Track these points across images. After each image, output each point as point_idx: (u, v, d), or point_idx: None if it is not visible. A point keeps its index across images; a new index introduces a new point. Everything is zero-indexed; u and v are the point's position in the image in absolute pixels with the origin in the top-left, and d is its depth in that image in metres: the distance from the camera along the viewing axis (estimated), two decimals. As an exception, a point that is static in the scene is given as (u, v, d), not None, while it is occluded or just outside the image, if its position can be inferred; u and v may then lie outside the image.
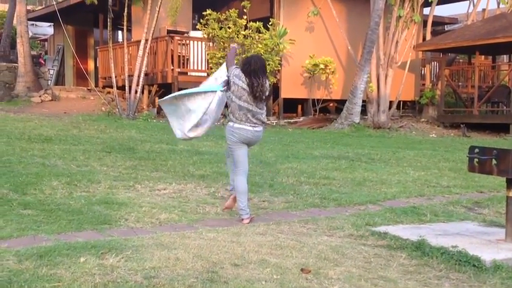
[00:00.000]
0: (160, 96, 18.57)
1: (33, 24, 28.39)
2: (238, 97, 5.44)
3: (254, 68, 5.44)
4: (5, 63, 21.68)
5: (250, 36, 16.46)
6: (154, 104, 18.46)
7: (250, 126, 5.48)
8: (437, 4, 19.40)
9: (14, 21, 22.96)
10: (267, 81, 5.53)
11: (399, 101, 19.12)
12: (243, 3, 16.79)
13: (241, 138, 5.49)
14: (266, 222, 5.48)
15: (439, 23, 24.18)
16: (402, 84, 18.36)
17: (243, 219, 5.46)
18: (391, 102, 18.14)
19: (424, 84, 20.45)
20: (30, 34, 24.56)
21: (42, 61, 25.80)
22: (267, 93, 5.52)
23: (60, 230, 4.72)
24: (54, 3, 22.42)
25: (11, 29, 23.95)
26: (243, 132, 5.47)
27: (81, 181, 6.70)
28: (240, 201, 5.52)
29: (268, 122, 5.69)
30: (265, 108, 5.64)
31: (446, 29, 25.17)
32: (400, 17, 17.80)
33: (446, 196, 7.29)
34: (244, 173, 5.58)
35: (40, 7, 31.44)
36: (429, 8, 19.60)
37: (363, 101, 17.15)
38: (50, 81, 22.83)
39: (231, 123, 5.54)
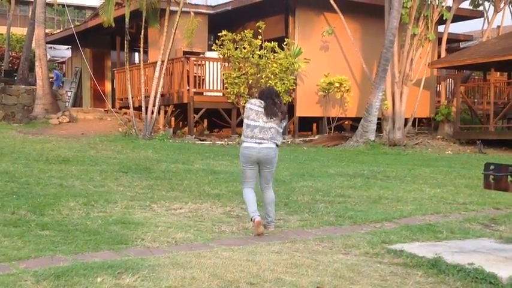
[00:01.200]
0: (176, 117, 18.77)
1: (51, 47, 28.89)
2: (246, 117, 5.87)
3: (266, 93, 5.95)
4: (23, 86, 22.01)
5: (265, 56, 16.60)
6: (170, 124, 18.62)
7: (255, 143, 5.76)
8: (452, 21, 19.40)
9: (33, 45, 23.37)
10: (279, 102, 5.91)
11: (414, 118, 19.06)
12: (258, 23, 16.97)
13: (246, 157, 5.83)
14: (281, 240, 5.48)
15: (454, 40, 24.15)
16: (417, 102, 18.32)
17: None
18: (406, 120, 18.09)
19: (439, 101, 20.37)
20: (49, 57, 24.96)
21: (55, 76, 26.02)
22: (280, 111, 5.84)
23: (77, 250, 4.77)
24: (72, 26, 22.84)
25: (29, 52, 24.37)
26: (247, 151, 5.81)
27: (98, 201, 6.77)
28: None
29: (278, 141, 5.94)
30: (278, 128, 5.90)
31: (461, 46, 25.14)
32: (414, 35, 17.82)
33: (462, 213, 7.24)
34: (251, 187, 5.91)
35: (58, 30, 32.04)
36: (444, 25, 19.60)
37: (378, 119, 17.13)
38: (67, 103, 23.13)
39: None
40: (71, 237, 5.13)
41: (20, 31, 33.61)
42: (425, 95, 19.65)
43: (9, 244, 4.81)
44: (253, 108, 5.83)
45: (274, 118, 5.80)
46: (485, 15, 21.03)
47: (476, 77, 23.60)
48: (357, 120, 18.16)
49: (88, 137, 15.50)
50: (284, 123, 6.05)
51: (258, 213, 5.75)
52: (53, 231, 5.32)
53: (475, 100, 21.54)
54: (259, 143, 5.77)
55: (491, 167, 4.99)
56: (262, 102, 5.82)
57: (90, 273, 4.06)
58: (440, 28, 20.25)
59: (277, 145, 5.92)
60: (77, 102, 24.86)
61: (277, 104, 5.81)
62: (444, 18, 18.40)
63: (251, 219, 5.74)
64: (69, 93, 24.08)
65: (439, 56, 20.15)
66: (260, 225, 5.66)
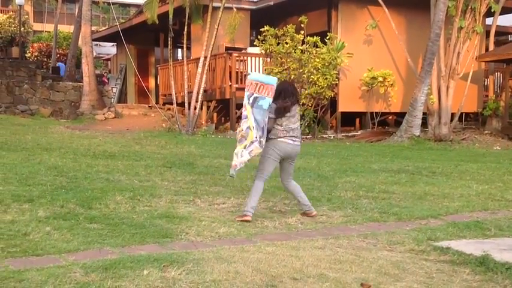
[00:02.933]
0: (219, 112, 18.89)
1: (97, 45, 29.49)
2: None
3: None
4: (71, 83, 22.57)
5: (308, 51, 16.52)
6: (213, 119, 18.75)
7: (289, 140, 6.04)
8: (501, 14, 18.87)
9: (79, 42, 23.92)
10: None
11: (461, 113, 18.66)
12: (300, 18, 16.89)
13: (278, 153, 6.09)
14: (325, 236, 5.46)
15: (502, 33, 23.51)
16: (464, 96, 17.91)
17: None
18: (452, 114, 17.72)
19: (487, 96, 19.89)
20: (95, 54, 25.49)
21: (105, 80, 26.71)
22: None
23: (124, 243, 4.86)
24: (117, 24, 23.24)
25: (76, 49, 24.94)
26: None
27: (143, 196, 6.88)
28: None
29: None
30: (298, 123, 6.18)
31: (510, 39, 24.43)
32: (461, 27, 17.41)
33: (511, 210, 7.05)
34: (263, 181, 6.19)
35: (104, 28, 32.69)
36: (492, 18, 19.09)
37: (423, 114, 16.83)
38: (113, 99, 23.60)
39: None
40: (118, 231, 5.23)
41: (66, 29, 34.46)
42: (473, 89, 19.19)
43: (59, 237, 4.93)
44: (285, 103, 6.04)
45: (295, 117, 6.09)
46: (535, 6, 20.37)
47: (525, 71, 22.90)
48: (401, 115, 17.90)
49: (133, 133, 15.76)
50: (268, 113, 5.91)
51: (305, 206, 6.25)
52: (100, 225, 5.44)
53: (525, 94, 20.92)
54: (293, 141, 6.06)
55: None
56: None
57: (137, 265, 4.13)
58: (488, 21, 19.72)
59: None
60: (122, 98, 25.32)
61: (293, 100, 6.04)
62: (492, 10, 17.92)
63: (244, 213, 5.95)
64: (114, 90, 24.55)
65: (487, 49, 19.66)
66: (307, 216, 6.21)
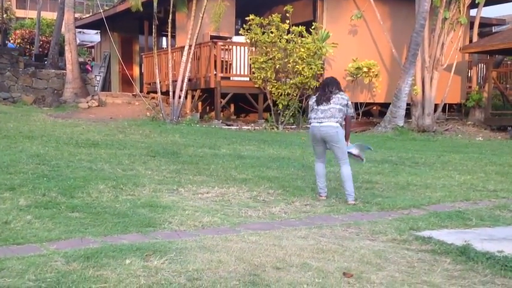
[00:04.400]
0: (203, 101, 18.82)
1: (80, 32, 29.16)
2: (310, 104, 6.93)
3: (322, 84, 7.04)
4: (53, 70, 22.32)
5: (293, 41, 16.49)
6: (198, 108, 18.68)
7: (317, 123, 6.65)
8: (485, 5, 18.98)
9: (62, 29, 23.62)
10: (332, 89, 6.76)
11: (445, 104, 18.78)
12: (285, 7, 16.84)
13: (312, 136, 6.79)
14: (308, 225, 5.48)
15: (486, 25, 23.65)
16: (448, 87, 18.02)
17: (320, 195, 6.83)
18: (436, 105, 17.83)
19: (470, 87, 20.03)
20: (78, 41, 25.21)
21: (89, 67, 26.46)
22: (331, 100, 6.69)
23: (106, 232, 4.83)
24: (101, 11, 23.00)
25: (59, 36, 24.65)
26: (311, 130, 6.79)
27: (126, 185, 6.84)
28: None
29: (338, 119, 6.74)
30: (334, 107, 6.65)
31: (493, 31, 24.60)
32: (445, 18, 17.48)
33: (492, 200, 7.13)
34: (321, 162, 6.92)
35: (87, 15, 32.33)
36: (476, 9, 19.19)
37: (407, 104, 16.92)
38: (96, 87, 23.40)
39: None
40: (100, 220, 5.20)
41: (50, 15, 34.04)
42: (456, 80, 19.32)
43: (40, 226, 4.90)
44: (313, 98, 6.86)
45: (327, 103, 6.62)
46: (519, -2, 20.53)
47: (508, 62, 23.09)
48: (385, 105, 17.97)
49: (116, 121, 15.66)
50: (345, 108, 6.68)
51: (325, 190, 6.85)
52: (82, 214, 5.41)
53: (507, 86, 21.12)
54: (319, 123, 6.62)
55: (524, 153, 4.90)
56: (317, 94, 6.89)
57: (119, 255, 4.12)
58: (473, 12, 19.83)
59: (340, 124, 6.59)
60: (106, 86, 25.10)
61: (326, 93, 6.69)
62: (476, 1, 18.01)
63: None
64: (98, 78, 24.33)
65: (470, 41, 19.77)
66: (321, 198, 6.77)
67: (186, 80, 16.56)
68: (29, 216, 5.13)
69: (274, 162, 9.37)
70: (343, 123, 6.69)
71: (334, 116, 6.58)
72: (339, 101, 6.65)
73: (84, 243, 4.47)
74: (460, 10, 17.75)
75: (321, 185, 6.85)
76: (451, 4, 17.55)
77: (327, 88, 6.77)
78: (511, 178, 8.49)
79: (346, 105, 6.68)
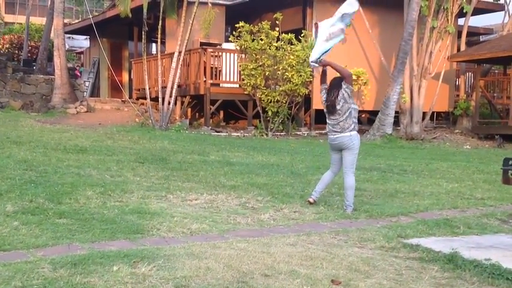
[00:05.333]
0: (193, 108, 18.81)
1: (69, 37, 29.06)
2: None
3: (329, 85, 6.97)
4: (42, 76, 22.18)
5: (282, 48, 16.55)
6: (187, 115, 18.66)
7: (331, 135, 6.75)
8: (472, 15, 19.16)
9: (51, 35, 23.52)
10: (339, 95, 6.63)
11: (433, 112, 18.90)
12: (275, 15, 16.91)
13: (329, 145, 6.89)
14: (296, 233, 5.48)
15: (474, 34, 23.86)
16: (436, 95, 18.15)
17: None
18: (424, 113, 17.94)
19: (458, 95, 20.18)
20: (67, 47, 25.12)
21: (78, 73, 26.36)
22: (337, 106, 6.61)
23: (94, 238, 4.80)
24: (90, 16, 22.94)
25: (48, 42, 24.54)
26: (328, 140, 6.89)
27: (114, 191, 6.81)
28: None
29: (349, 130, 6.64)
30: (342, 119, 6.62)
31: (481, 40, 24.83)
32: (434, 27, 17.64)
33: (480, 208, 7.17)
34: (332, 172, 6.94)
35: (77, 20, 32.24)
36: (464, 18, 19.37)
37: (396, 112, 17.01)
38: (85, 93, 23.30)
39: None
40: (87, 226, 5.17)
41: (39, 21, 33.85)
42: (444, 88, 19.46)
43: (27, 232, 4.86)
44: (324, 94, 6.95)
45: (335, 115, 6.63)
46: (506, 8, 20.75)
47: (496, 71, 23.31)
48: (374, 113, 18.05)
49: (105, 127, 15.59)
50: (350, 109, 6.61)
51: (315, 195, 6.85)
52: (70, 220, 5.37)
53: (495, 94, 21.30)
54: (333, 135, 6.72)
55: (510, 162, 4.94)
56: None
57: (107, 261, 4.09)
58: (460, 21, 20.01)
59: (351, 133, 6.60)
60: (95, 92, 25.01)
61: (331, 97, 6.71)
62: (464, 11, 18.19)
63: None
64: (87, 83, 24.24)
65: (458, 50, 19.94)
66: (309, 202, 6.81)
67: (175, 86, 16.54)
68: (16, 223, 5.09)
69: (263, 169, 9.37)
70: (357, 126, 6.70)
71: (344, 128, 6.60)
72: (344, 112, 6.59)
73: (72, 249, 4.44)
74: (448, 19, 17.91)
75: (316, 188, 6.94)
76: (439, 13, 17.71)
77: (332, 90, 6.78)
78: (498, 186, 8.54)
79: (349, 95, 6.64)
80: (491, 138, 17.47)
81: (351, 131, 6.60)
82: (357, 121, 6.73)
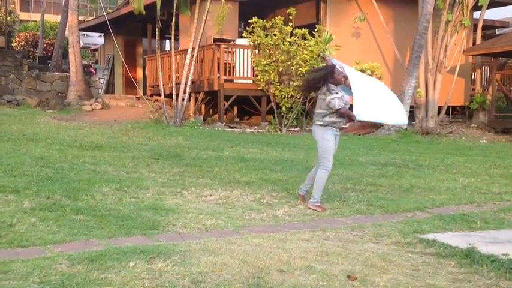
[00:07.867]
0: (207, 104, 18.83)
1: (84, 35, 29.21)
2: None
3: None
4: (57, 73, 22.36)
5: (296, 43, 16.49)
6: (201, 111, 18.69)
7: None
8: (488, 8, 18.97)
9: (66, 32, 23.68)
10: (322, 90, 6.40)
11: (448, 106, 18.74)
12: (288, 10, 16.84)
13: None
14: (312, 228, 5.47)
15: (489, 27, 23.62)
16: (451, 89, 18.00)
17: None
18: (440, 108, 17.80)
19: (474, 89, 20.00)
20: (81, 44, 25.26)
21: (92, 70, 26.51)
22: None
23: (110, 235, 4.83)
24: (105, 14, 23.04)
25: (63, 39, 24.70)
26: None
27: (130, 187, 6.85)
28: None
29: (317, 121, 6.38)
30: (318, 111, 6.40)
31: (497, 33, 24.57)
32: (449, 21, 17.47)
33: (497, 203, 7.11)
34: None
35: (91, 18, 32.39)
36: (479, 11, 19.17)
37: (411, 107, 16.90)
38: (100, 90, 23.42)
39: None
40: (104, 222, 5.20)
41: (53, 18, 34.09)
42: (460, 82, 19.28)
43: (45, 228, 4.90)
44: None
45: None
46: (522, 0, 20.49)
47: (512, 65, 23.08)
48: (388, 108, 17.90)
49: (120, 124, 15.67)
50: (327, 97, 6.34)
51: (303, 189, 6.69)
52: (86, 216, 5.41)
53: (511, 88, 21.08)
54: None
55: (528, 156, 4.89)
56: None
57: (123, 257, 4.11)
58: (476, 14, 19.81)
59: (320, 124, 6.36)
60: (109, 89, 25.13)
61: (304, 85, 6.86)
62: (480, 4, 17.99)
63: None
64: (101, 80, 24.36)
65: (474, 43, 19.75)
66: (300, 199, 6.64)
67: (189, 82, 16.57)
68: (34, 219, 5.13)
69: (277, 165, 9.36)
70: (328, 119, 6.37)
71: (316, 118, 6.48)
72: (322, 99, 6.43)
73: (89, 245, 4.47)
74: (463, 12, 17.72)
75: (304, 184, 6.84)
76: (454, 6, 17.54)
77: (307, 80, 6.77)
78: (515, 181, 8.47)
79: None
80: (508, 133, 17.30)
81: (317, 122, 6.41)
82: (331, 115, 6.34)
